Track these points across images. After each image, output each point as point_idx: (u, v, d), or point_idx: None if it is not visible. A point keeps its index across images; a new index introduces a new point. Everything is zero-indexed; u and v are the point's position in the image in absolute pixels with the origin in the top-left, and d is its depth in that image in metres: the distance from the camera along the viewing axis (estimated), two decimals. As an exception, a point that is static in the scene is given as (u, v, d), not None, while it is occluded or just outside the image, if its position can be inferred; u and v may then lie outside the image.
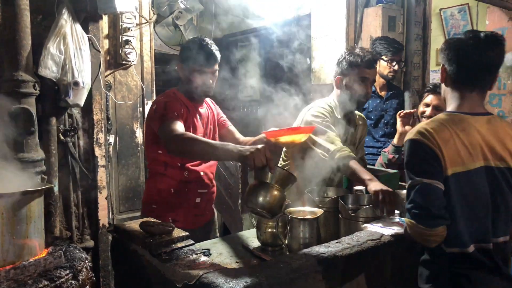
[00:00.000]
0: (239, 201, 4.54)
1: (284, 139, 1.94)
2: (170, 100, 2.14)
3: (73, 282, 1.24)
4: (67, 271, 1.24)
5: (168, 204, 2.18)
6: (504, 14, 4.60)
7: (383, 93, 3.46)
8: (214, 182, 2.38)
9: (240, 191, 4.51)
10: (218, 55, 2.19)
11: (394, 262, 1.75)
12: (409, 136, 1.58)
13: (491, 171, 1.55)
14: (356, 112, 2.54)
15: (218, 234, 2.52)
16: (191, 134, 2.02)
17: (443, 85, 1.70)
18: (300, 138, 1.94)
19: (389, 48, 3.30)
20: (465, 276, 1.51)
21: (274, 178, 1.72)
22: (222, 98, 6.53)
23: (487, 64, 1.57)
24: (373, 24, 3.70)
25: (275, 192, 1.71)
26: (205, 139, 1.95)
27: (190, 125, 2.18)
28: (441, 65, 1.66)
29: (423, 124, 1.59)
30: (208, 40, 2.21)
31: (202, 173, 2.27)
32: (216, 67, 2.22)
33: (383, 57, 3.34)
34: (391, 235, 1.74)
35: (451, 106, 1.65)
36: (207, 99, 2.40)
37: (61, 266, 1.26)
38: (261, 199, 1.70)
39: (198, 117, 2.26)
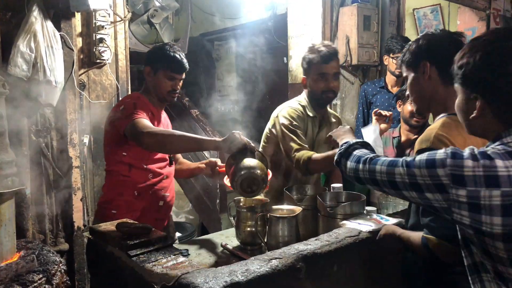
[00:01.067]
0: (217, 201, 4.52)
1: None
2: (139, 102, 2.11)
3: (46, 286, 1.20)
4: (40, 275, 1.20)
5: (130, 208, 2.10)
6: (475, 14, 4.73)
7: (395, 89, 3.47)
8: (173, 185, 2.35)
9: (218, 191, 4.49)
10: (187, 63, 2.21)
11: (372, 258, 1.77)
12: (425, 143, 1.45)
13: None
14: (330, 110, 2.55)
15: (176, 238, 2.47)
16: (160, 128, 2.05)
17: (423, 84, 1.56)
18: None
19: (396, 46, 3.33)
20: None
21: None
22: (199, 97, 6.50)
23: None
24: (349, 23, 3.74)
25: (260, 162, 1.76)
26: (181, 132, 1.94)
27: None
28: (422, 62, 1.54)
29: (435, 130, 1.47)
30: (179, 48, 2.24)
31: (165, 177, 2.23)
32: (184, 75, 2.23)
33: (390, 54, 3.37)
34: (369, 232, 1.75)
35: (448, 107, 1.54)
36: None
37: (34, 270, 1.22)
38: (252, 164, 1.72)
39: (160, 124, 2.24)
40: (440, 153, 1.08)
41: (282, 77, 4.37)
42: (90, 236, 1.78)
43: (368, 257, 1.75)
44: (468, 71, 1.12)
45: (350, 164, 1.34)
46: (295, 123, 2.24)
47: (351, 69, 3.94)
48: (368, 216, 1.90)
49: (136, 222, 1.66)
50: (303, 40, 3.90)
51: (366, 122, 3.51)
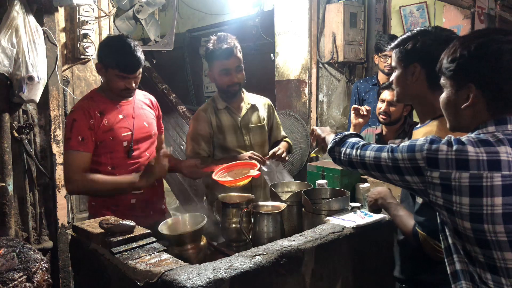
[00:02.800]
0: (205, 198, 4.51)
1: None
2: (79, 117, 1.96)
3: (27, 284, 1.19)
4: (21, 273, 1.18)
5: (104, 205, 2.06)
6: (460, 12, 4.78)
7: None
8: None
9: (205, 187, 4.48)
10: (142, 59, 2.02)
11: (356, 253, 1.78)
12: None
13: None
14: (251, 95, 2.51)
15: None
16: (86, 177, 1.91)
17: (409, 83, 1.54)
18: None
19: (384, 44, 3.33)
20: None
21: None
22: (186, 94, 6.46)
23: None
24: (335, 20, 3.75)
25: None
26: (102, 179, 1.94)
27: (111, 127, 2.02)
28: (414, 64, 1.50)
29: (434, 134, 1.40)
30: (131, 41, 2.02)
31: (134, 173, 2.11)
32: (139, 71, 2.05)
33: (379, 53, 3.36)
34: (353, 227, 1.77)
35: (437, 109, 1.45)
36: (149, 96, 2.29)
37: (14, 268, 1.20)
38: None
39: (121, 116, 2.08)
40: (421, 140, 1.18)
41: (269, 74, 4.36)
42: (73, 234, 1.77)
43: (352, 252, 1.77)
44: (462, 61, 1.18)
45: (344, 150, 1.45)
46: (197, 129, 2.35)
47: (338, 66, 3.95)
48: (353, 212, 1.91)
49: (119, 219, 1.65)
50: (290, 37, 3.90)
51: None
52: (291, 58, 3.92)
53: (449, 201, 1.12)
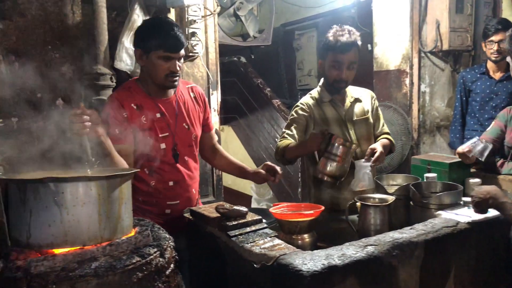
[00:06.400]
0: (299, 190, 4.58)
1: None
2: (114, 101, 1.87)
3: (160, 259, 1.32)
4: (155, 249, 1.32)
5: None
6: None
7: (498, 75, 3.20)
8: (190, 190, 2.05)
9: (299, 179, 4.54)
10: (183, 38, 1.89)
11: (470, 250, 1.71)
12: None
13: None
14: (357, 88, 2.44)
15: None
16: None
17: None
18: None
19: (490, 29, 3.12)
20: None
21: None
22: (280, 87, 6.54)
23: None
24: (439, 6, 3.55)
25: None
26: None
27: (144, 127, 1.88)
28: None
29: None
30: (171, 20, 1.93)
31: (171, 183, 1.98)
32: (183, 52, 1.91)
33: (485, 39, 3.16)
34: (468, 223, 1.70)
35: None
36: (197, 89, 2.14)
37: (150, 244, 1.34)
38: None
39: (158, 114, 1.93)
40: None
41: (366, 65, 4.26)
42: (191, 217, 1.92)
43: (466, 248, 1.70)
44: None
45: None
46: (294, 116, 2.31)
47: (441, 55, 3.75)
48: (466, 207, 1.83)
49: (233, 205, 1.76)
50: (389, 26, 3.78)
51: (464, 110, 3.32)
52: (391, 48, 3.80)
53: None
